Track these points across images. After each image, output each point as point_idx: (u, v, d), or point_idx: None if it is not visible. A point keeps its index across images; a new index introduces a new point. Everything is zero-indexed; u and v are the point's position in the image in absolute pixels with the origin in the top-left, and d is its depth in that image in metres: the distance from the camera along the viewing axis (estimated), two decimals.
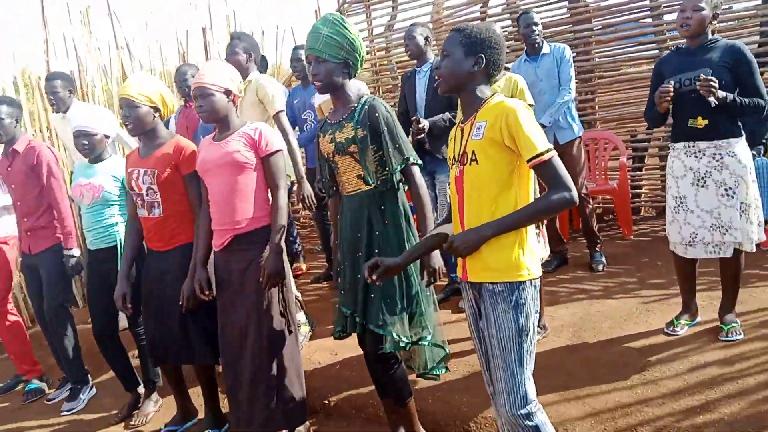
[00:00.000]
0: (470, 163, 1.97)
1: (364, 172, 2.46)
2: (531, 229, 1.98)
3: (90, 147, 3.21)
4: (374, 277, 2.10)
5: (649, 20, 5.39)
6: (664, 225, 3.31)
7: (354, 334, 2.64)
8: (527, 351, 1.93)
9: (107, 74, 6.06)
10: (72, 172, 4.22)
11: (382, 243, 2.47)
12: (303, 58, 4.68)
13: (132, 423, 3.45)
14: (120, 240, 3.25)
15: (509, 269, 1.93)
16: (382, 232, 2.48)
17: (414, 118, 3.74)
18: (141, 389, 3.62)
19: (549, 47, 4.36)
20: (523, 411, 1.89)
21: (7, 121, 3.64)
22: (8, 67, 5.77)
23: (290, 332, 2.79)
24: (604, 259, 4.49)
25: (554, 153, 1.88)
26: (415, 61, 4.18)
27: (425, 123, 3.71)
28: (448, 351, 2.65)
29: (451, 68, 2.01)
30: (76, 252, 3.63)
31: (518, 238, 1.94)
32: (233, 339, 2.77)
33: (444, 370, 2.66)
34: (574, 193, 1.87)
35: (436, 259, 2.41)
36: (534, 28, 4.29)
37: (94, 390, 3.93)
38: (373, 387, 2.82)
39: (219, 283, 2.82)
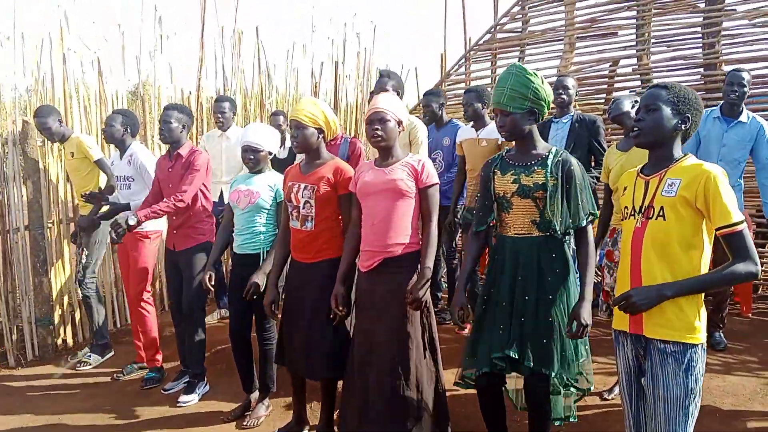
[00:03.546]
0: (656, 218, 1.98)
1: (540, 218, 2.51)
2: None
3: (255, 161, 3.46)
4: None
5: None
6: None
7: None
8: (692, 414, 1.94)
9: (248, 95, 6.54)
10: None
11: (555, 288, 2.50)
12: (431, 104, 4.83)
13: (245, 423, 3.60)
14: (263, 249, 3.44)
15: (687, 330, 1.94)
16: (555, 278, 2.51)
17: None
18: (254, 395, 3.75)
19: (747, 116, 4.08)
20: None
21: (174, 125, 3.90)
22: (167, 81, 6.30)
23: (432, 357, 2.86)
24: (724, 339, 4.30)
25: (745, 225, 1.89)
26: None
27: None
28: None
29: (657, 123, 2.01)
30: (132, 221, 3.64)
31: (698, 301, 1.95)
32: (370, 359, 2.83)
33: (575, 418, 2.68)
34: (759, 268, 1.88)
35: (589, 313, 2.40)
36: (737, 89, 3.98)
37: (208, 387, 4.11)
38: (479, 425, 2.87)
39: (361, 303, 2.92)
